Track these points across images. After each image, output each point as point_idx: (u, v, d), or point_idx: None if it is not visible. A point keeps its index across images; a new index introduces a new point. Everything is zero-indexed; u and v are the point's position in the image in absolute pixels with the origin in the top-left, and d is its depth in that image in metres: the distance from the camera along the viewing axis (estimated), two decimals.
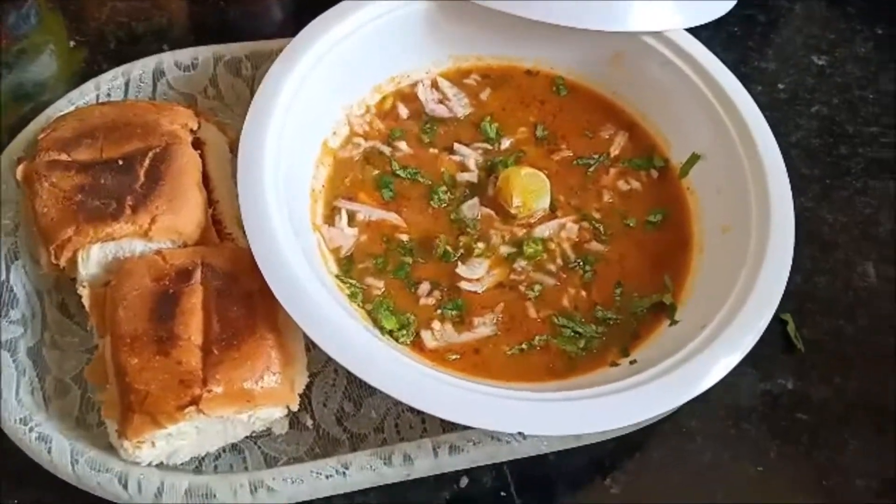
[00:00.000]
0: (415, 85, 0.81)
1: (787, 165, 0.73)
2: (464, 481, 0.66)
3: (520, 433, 0.60)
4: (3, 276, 0.67)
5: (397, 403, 0.65)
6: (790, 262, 0.67)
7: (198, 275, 0.62)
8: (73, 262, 0.65)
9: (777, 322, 0.75)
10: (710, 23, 0.81)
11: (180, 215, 0.65)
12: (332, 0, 0.77)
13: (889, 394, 0.73)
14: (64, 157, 0.66)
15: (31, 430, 0.61)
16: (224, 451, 0.65)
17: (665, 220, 0.76)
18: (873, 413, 0.72)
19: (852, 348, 0.76)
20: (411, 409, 0.65)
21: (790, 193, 0.70)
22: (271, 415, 0.62)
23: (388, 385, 0.59)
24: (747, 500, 0.67)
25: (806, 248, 0.80)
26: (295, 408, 0.63)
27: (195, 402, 0.58)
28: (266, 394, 0.60)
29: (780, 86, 0.94)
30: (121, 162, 0.66)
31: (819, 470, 0.69)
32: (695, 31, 0.80)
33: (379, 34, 0.77)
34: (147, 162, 0.66)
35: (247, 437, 0.65)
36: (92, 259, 0.64)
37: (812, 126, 0.91)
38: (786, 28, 1.00)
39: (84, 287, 0.64)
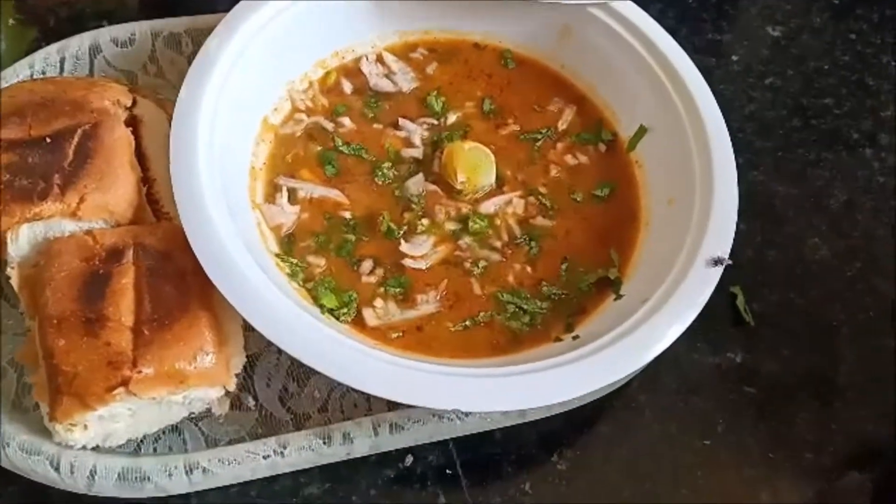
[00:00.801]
0: (359, 59, 0.80)
1: (740, 138, 0.72)
2: (408, 460, 0.66)
3: (459, 410, 0.60)
4: None
5: (341, 383, 0.64)
6: (732, 234, 0.66)
7: (129, 254, 0.61)
8: (1, 242, 0.63)
9: (727, 295, 0.75)
10: None
11: (110, 194, 0.63)
12: None
13: (837, 367, 0.73)
14: None
15: None
16: (164, 433, 0.64)
17: (612, 194, 0.75)
18: (821, 386, 0.72)
19: (802, 321, 0.75)
20: (355, 389, 0.64)
21: (734, 165, 0.70)
22: (207, 395, 0.61)
23: (324, 365, 0.58)
24: (694, 473, 0.67)
25: (757, 220, 0.80)
26: (231, 388, 0.62)
27: (125, 383, 0.57)
28: (200, 374, 0.59)
29: (735, 58, 0.93)
30: (49, 140, 0.64)
31: (766, 443, 0.69)
32: (648, 3, 0.79)
33: (321, 7, 0.76)
34: (76, 139, 0.64)
35: (187, 419, 0.64)
36: (21, 239, 0.63)
37: (766, 98, 0.90)
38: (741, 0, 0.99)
39: (13, 268, 0.62)
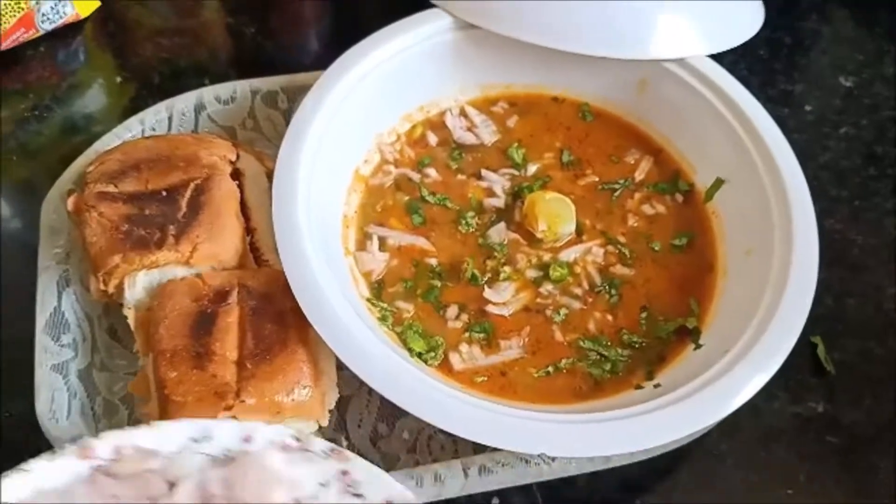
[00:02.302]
0: (443, 113, 0.84)
1: (815, 188, 0.73)
2: (495, 502, 0.68)
3: (545, 455, 0.62)
4: (56, 303, 0.70)
5: (429, 425, 0.67)
6: (814, 285, 0.67)
7: (234, 295, 0.65)
8: (120, 288, 0.68)
9: (807, 345, 0.75)
10: (735, 47, 0.82)
11: (219, 243, 0.68)
12: (365, 33, 0.80)
13: None
14: (111, 188, 0.70)
15: None
16: None
17: (690, 243, 0.77)
18: None
19: (883, 370, 0.75)
20: (442, 431, 0.67)
21: (813, 216, 0.71)
22: (302, 430, 0.65)
23: (415, 406, 0.61)
24: None
25: (835, 270, 0.80)
26: (325, 423, 0.65)
27: (228, 410, 0.60)
28: (296, 406, 0.63)
29: (808, 108, 0.94)
30: (164, 193, 0.69)
31: (849, 493, 0.69)
32: (720, 55, 0.81)
33: (409, 65, 0.80)
34: (188, 193, 0.69)
35: None
36: (137, 285, 0.67)
37: (840, 148, 0.91)
38: (812, 50, 1.01)
39: (130, 310, 0.67)
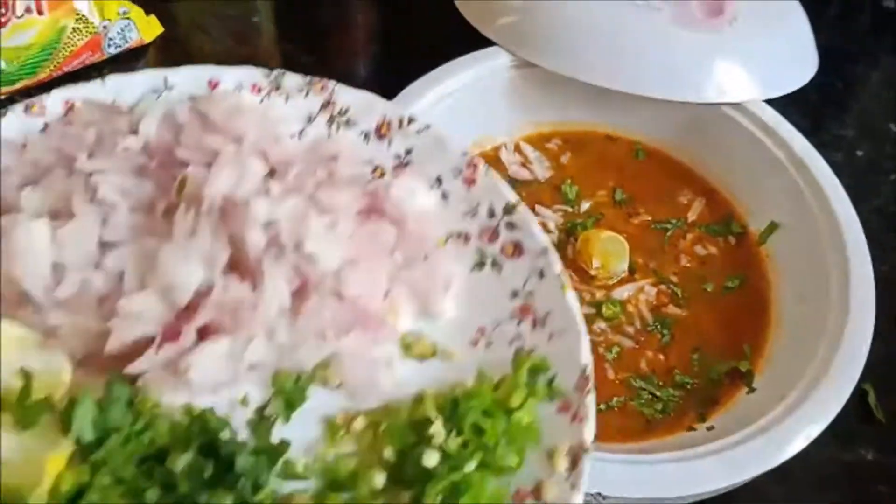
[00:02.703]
0: (497, 148, 0.85)
1: (866, 233, 0.73)
2: None
3: (599, 494, 0.62)
4: None
5: None
6: (871, 336, 0.67)
7: None
8: None
9: (857, 392, 0.75)
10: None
11: None
12: (416, 65, 0.81)
13: None
14: None
15: None
16: None
17: (742, 285, 0.77)
18: None
19: None
20: None
21: (870, 265, 0.71)
22: None
23: None
24: None
25: (886, 316, 0.80)
26: None
27: None
28: None
29: (859, 153, 0.94)
30: None
31: None
32: (772, 99, 0.82)
33: (466, 101, 0.81)
34: None
35: None
36: None
37: (891, 193, 0.91)
38: (863, 94, 1.01)
39: None
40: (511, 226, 0.54)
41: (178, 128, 0.53)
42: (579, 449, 0.45)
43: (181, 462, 0.42)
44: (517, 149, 0.85)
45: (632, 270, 0.77)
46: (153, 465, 0.43)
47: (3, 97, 0.88)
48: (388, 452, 0.45)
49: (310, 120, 0.56)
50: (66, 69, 0.90)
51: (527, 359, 0.48)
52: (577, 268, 0.77)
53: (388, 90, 0.78)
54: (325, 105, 0.56)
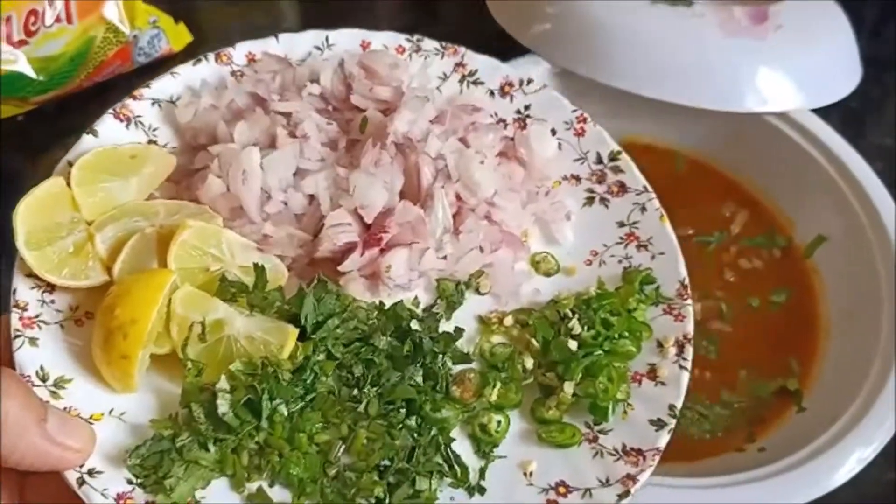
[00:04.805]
0: None
1: None
2: None
3: None
4: None
5: None
6: None
7: None
8: None
9: None
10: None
11: None
12: None
13: None
14: None
15: None
16: None
17: (789, 300, 0.75)
18: None
19: None
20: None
21: None
22: None
23: None
24: None
25: None
26: None
27: None
28: None
29: None
30: None
31: None
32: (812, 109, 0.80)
33: None
34: None
35: None
36: None
37: None
38: None
39: None
40: (616, 169, 0.65)
41: (349, 78, 0.64)
42: (684, 340, 0.57)
43: (382, 342, 0.55)
44: None
45: None
46: (359, 346, 0.55)
47: (34, 108, 0.88)
48: (535, 342, 0.57)
49: (444, 78, 0.67)
50: (96, 79, 0.89)
51: (638, 274, 0.59)
52: None
53: None
54: (457, 66, 0.67)
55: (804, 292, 0.75)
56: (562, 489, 0.52)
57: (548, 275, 0.61)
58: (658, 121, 0.83)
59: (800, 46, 0.79)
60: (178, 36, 0.95)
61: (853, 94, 0.93)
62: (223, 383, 0.50)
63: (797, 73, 0.79)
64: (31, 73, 0.84)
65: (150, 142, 0.61)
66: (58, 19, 0.85)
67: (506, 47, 0.83)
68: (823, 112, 0.85)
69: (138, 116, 0.61)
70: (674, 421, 0.53)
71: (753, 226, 0.80)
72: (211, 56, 0.66)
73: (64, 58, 0.86)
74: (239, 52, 0.66)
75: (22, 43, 0.83)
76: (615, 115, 0.83)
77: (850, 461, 0.62)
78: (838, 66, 0.82)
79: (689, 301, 0.59)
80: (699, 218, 0.80)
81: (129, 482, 0.49)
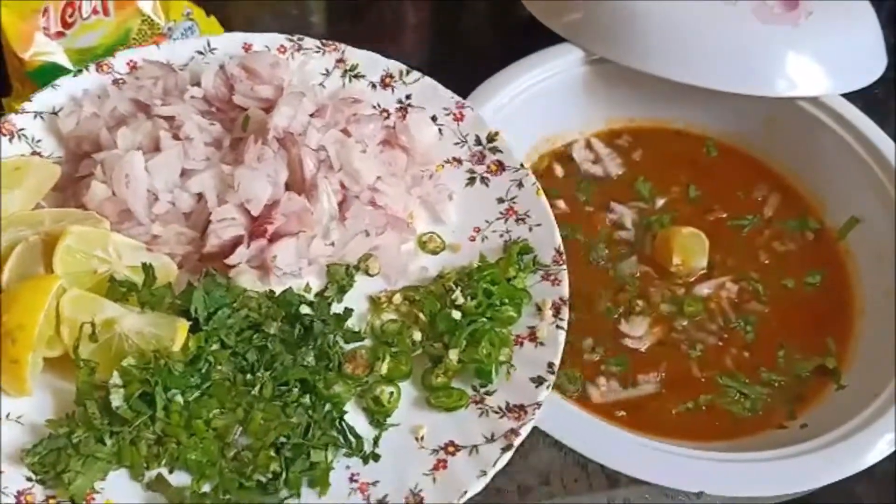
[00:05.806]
0: (568, 145, 0.84)
1: None
2: None
3: (701, 492, 0.61)
4: None
5: (565, 455, 0.67)
6: None
7: None
8: None
9: None
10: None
11: None
12: (488, 65, 0.81)
13: None
14: None
15: None
16: None
17: (824, 281, 0.76)
18: None
19: None
20: (575, 463, 0.67)
21: None
22: None
23: (575, 442, 0.61)
24: None
25: None
26: None
27: None
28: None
29: None
30: None
31: None
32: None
33: (538, 98, 0.81)
34: None
35: None
36: None
37: None
38: None
39: None
40: (494, 150, 0.69)
41: (230, 79, 0.67)
42: (560, 302, 0.61)
43: (273, 328, 0.58)
44: (588, 145, 0.84)
45: (710, 267, 0.77)
46: (251, 334, 0.57)
47: None
48: (423, 316, 0.61)
49: (327, 74, 0.71)
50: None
51: (516, 245, 0.64)
52: (656, 264, 0.76)
53: (460, 89, 0.78)
54: (338, 62, 0.71)
55: (838, 273, 0.77)
56: (451, 448, 0.56)
57: (434, 253, 0.66)
58: (689, 106, 0.84)
59: (830, 33, 0.80)
60: (210, 29, 0.95)
61: (877, 81, 0.95)
62: (115, 379, 0.53)
63: (827, 59, 0.80)
64: (69, 65, 0.85)
65: (34, 153, 0.64)
66: (94, 11, 0.85)
67: (537, 36, 0.84)
68: (848, 98, 0.86)
69: (21, 130, 0.64)
70: (552, 377, 0.57)
71: (785, 209, 0.81)
72: (92, 66, 0.68)
73: (101, 49, 0.86)
74: (119, 60, 0.68)
75: (59, 35, 0.84)
76: (648, 100, 0.85)
77: (891, 435, 0.63)
78: (866, 53, 0.83)
79: (564, 266, 0.63)
80: (732, 202, 0.81)
81: (29, 479, 0.52)
